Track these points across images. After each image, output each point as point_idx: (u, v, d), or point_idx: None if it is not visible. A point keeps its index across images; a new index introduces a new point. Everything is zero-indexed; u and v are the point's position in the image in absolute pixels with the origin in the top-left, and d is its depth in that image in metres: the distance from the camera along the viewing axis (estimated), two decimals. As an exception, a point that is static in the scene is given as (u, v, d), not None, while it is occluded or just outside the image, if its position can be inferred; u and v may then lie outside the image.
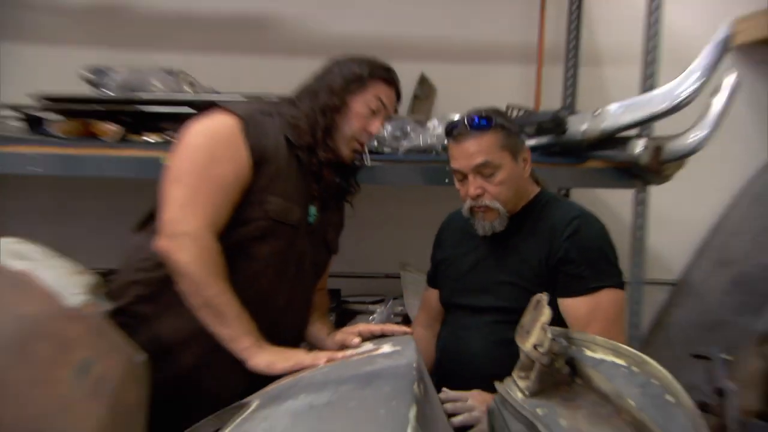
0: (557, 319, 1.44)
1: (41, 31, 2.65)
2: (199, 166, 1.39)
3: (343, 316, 2.44)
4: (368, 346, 1.40)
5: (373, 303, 2.51)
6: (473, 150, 1.56)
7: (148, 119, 2.10)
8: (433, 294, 1.81)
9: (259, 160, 1.44)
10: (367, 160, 1.99)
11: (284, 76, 2.57)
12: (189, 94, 2.17)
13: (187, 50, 2.61)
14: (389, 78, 1.62)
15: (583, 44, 2.72)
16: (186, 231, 1.35)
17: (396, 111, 1.70)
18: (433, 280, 1.84)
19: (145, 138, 2.07)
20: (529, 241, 1.61)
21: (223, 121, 1.45)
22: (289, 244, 1.50)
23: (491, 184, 1.57)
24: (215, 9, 2.66)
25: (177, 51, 2.59)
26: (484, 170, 1.57)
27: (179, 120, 2.10)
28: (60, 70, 2.29)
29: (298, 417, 0.85)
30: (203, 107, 2.06)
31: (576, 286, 1.53)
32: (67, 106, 2.10)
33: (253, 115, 1.49)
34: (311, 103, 1.57)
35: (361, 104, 1.57)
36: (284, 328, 1.52)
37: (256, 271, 1.47)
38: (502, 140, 1.57)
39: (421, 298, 1.91)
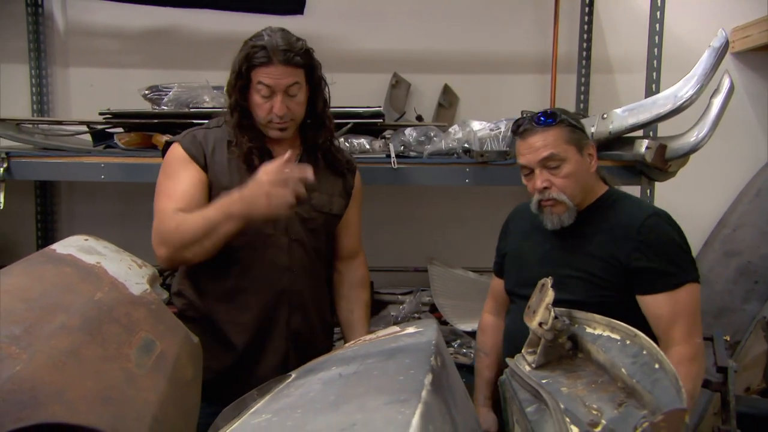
0: (631, 317, 1.22)
1: (106, 56, 2.78)
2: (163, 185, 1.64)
3: (375, 306, 2.50)
4: (395, 328, 1.45)
5: (403, 294, 2.56)
6: (539, 144, 1.53)
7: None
8: (500, 283, 1.78)
9: (204, 163, 1.64)
10: (394, 163, 2.06)
11: (320, 90, 2.68)
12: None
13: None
14: (262, 61, 1.60)
15: (594, 53, 2.73)
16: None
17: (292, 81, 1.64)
18: (499, 270, 1.80)
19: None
20: (598, 237, 1.54)
21: (171, 149, 1.68)
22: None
23: (557, 177, 1.53)
24: (256, 30, 2.74)
25: (223, 69, 2.67)
26: (550, 163, 1.53)
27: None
28: (122, 89, 2.42)
29: (328, 383, 0.91)
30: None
31: (659, 283, 1.46)
32: (129, 121, 2.20)
33: (189, 134, 1.69)
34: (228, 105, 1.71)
35: (254, 95, 1.63)
36: (292, 292, 1.65)
37: (236, 256, 1.62)
38: (567, 135, 1.54)
39: (490, 287, 1.87)
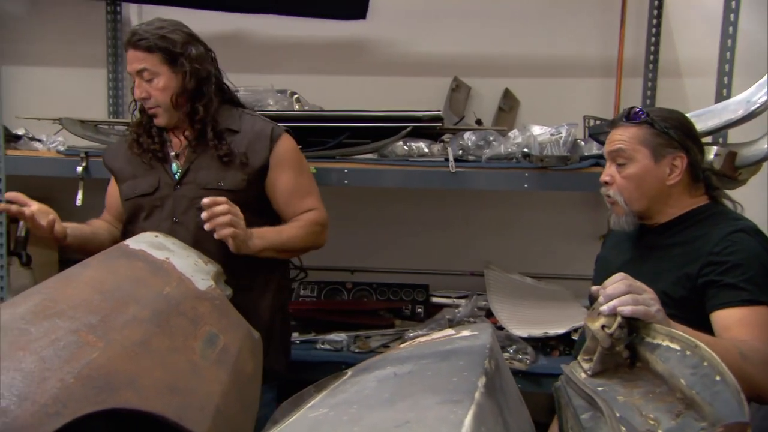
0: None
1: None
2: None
3: (430, 309, 2.51)
4: (449, 331, 1.47)
5: (458, 298, 2.56)
6: (616, 137, 1.51)
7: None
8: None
9: (111, 169, 1.84)
10: (452, 167, 2.07)
11: (380, 93, 2.72)
12: (297, 111, 2.31)
13: (296, 72, 2.78)
14: (125, 46, 1.71)
15: (662, 56, 2.66)
16: None
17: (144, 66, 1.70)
18: (593, 277, 1.74)
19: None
20: (675, 250, 1.46)
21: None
22: (154, 205, 1.73)
23: (620, 174, 1.50)
24: (319, 35, 2.81)
25: (287, 73, 2.76)
26: (618, 158, 1.50)
27: (290, 133, 2.27)
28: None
29: (383, 381, 0.94)
30: (309, 121, 2.25)
31: (728, 296, 1.34)
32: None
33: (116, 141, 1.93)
34: None
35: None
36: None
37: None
38: (646, 136, 1.48)
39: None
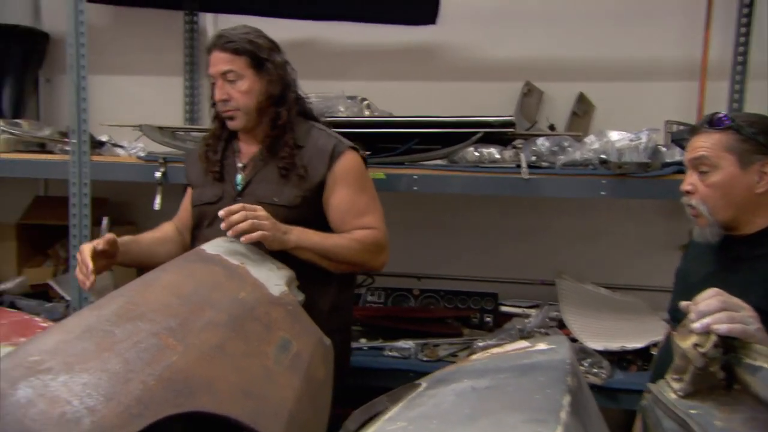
0: None
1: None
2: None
3: (500, 319, 2.46)
4: (524, 343, 1.42)
5: (529, 307, 2.50)
6: (698, 144, 1.44)
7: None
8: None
9: (186, 176, 1.91)
10: (525, 174, 2.02)
11: (450, 99, 2.70)
12: (367, 117, 2.32)
13: (366, 78, 2.79)
14: (208, 49, 1.75)
15: (751, 58, 2.51)
16: None
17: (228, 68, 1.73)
18: (673, 290, 1.67)
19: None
20: (761, 263, 1.40)
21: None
22: (216, 215, 1.66)
23: (703, 183, 1.43)
24: (389, 41, 2.81)
25: (358, 79, 2.77)
26: (700, 166, 1.42)
27: (360, 139, 2.27)
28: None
29: (461, 396, 0.91)
30: (379, 127, 2.25)
31: None
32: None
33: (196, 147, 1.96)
34: None
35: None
36: None
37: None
38: (732, 142, 1.40)
39: None
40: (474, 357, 1.44)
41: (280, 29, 2.88)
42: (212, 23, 3.00)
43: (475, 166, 2.13)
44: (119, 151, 2.38)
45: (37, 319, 1.53)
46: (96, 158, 2.28)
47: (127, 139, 2.44)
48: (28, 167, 2.35)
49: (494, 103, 2.58)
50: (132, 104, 2.87)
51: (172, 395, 1.02)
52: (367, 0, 2.66)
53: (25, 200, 2.93)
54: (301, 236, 1.64)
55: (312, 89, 2.49)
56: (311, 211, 1.72)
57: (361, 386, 2.02)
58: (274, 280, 1.48)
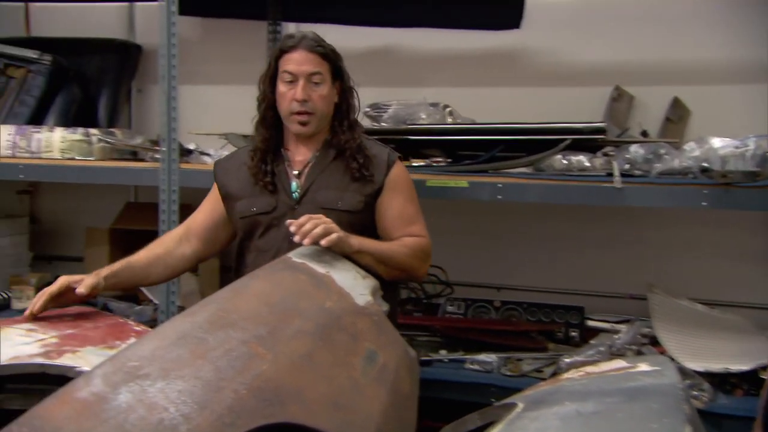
0: None
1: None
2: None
3: (587, 333, 2.35)
4: (621, 362, 1.34)
5: (618, 322, 2.38)
6: None
7: (416, 146, 2.25)
8: None
9: (223, 187, 1.84)
10: (618, 183, 1.92)
11: (534, 104, 2.62)
12: (450, 124, 2.28)
13: (448, 85, 2.74)
14: (287, 47, 1.71)
15: None
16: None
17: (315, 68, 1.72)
18: None
19: (413, 163, 2.22)
20: None
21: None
22: (271, 224, 1.74)
23: None
24: (471, 47, 2.76)
25: (439, 85, 2.74)
26: None
27: (442, 146, 2.24)
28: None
29: (567, 421, 0.86)
30: (462, 134, 2.21)
31: None
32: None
33: (223, 156, 1.99)
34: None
35: (280, 86, 1.72)
36: None
37: (250, 260, 1.76)
38: None
39: None
40: (568, 375, 1.37)
41: (358, 37, 2.92)
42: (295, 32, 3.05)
43: (562, 175, 2.05)
44: (206, 158, 2.44)
45: (131, 322, 1.57)
46: (184, 166, 2.34)
47: (213, 147, 2.51)
48: (121, 174, 2.45)
49: (580, 108, 2.48)
50: (217, 113, 2.95)
51: (263, 405, 1.02)
52: (449, 6, 2.62)
53: (116, 206, 3.06)
54: (362, 241, 1.64)
55: (391, 96, 2.49)
56: (369, 217, 1.76)
57: (441, 399, 1.98)
58: (359, 289, 1.47)
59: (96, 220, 3.03)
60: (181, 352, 1.06)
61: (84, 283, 1.58)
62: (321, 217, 1.57)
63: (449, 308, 2.51)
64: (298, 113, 1.73)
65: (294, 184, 1.78)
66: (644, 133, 2.42)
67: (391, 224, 1.77)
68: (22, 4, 3.18)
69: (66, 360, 1.26)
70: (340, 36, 2.92)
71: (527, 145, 2.13)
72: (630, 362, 1.32)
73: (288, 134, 1.82)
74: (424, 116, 2.29)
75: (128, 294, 2.83)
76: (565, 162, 2.06)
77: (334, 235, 1.53)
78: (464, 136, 2.16)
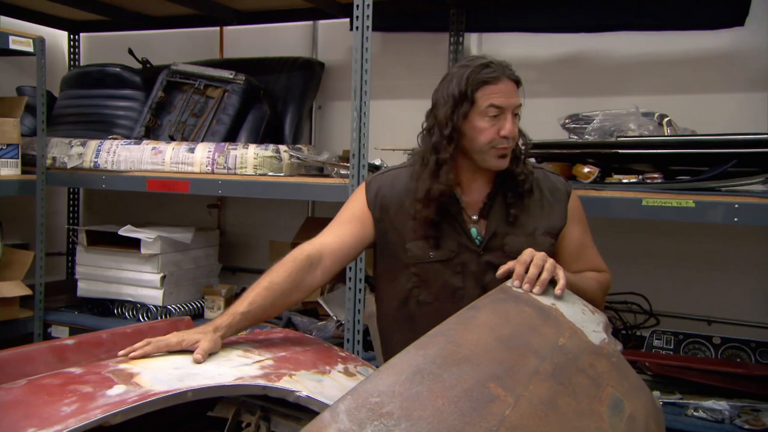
0: None
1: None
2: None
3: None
4: None
5: None
6: None
7: (623, 160, 2.05)
8: None
9: (384, 209, 1.63)
10: None
11: (761, 113, 2.30)
12: (668, 136, 2.05)
13: (658, 92, 2.52)
14: (490, 78, 1.49)
15: None
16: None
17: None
18: None
19: (620, 179, 2.02)
20: None
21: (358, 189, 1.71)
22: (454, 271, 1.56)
23: None
24: (682, 49, 2.51)
25: (642, 94, 2.51)
26: None
27: (656, 161, 2.02)
28: (530, 119, 2.43)
29: None
30: (681, 148, 1.97)
31: None
32: (549, 152, 2.18)
33: (378, 177, 1.70)
34: (423, 146, 1.59)
35: (478, 120, 1.51)
36: None
37: (424, 309, 1.58)
38: None
39: None
40: None
41: (550, 44, 2.76)
42: (476, 43, 2.96)
43: (813, 194, 1.75)
44: (393, 175, 2.41)
45: (335, 347, 1.54)
46: (372, 182, 2.32)
47: (397, 162, 2.47)
48: (311, 190, 2.49)
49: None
50: (399, 127, 2.92)
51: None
52: (659, 6, 2.39)
53: (294, 221, 3.15)
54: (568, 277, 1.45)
55: (592, 107, 2.30)
56: (553, 255, 1.52)
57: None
58: (591, 325, 1.32)
59: (278, 234, 3.15)
60: (419, 389, 0.99)
61: (201, 348, 1.29)
62: (533, 253, 1.40)
63: (656, 342, 2.26)
64: (505, 148, 1.55)
65: (474, 230, 1.59)
66: None
67: (574, 256, 1.63)
68: (217, 29, 3.40)
69: (285, 383, 1.24)
70: (528, 43, 2.82)
71: (764, 158, 1.86)
72: None
73: (460, 169, 1.60)
74: (633, 128, 2.08)
75: (308, 308, 2.90)
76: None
77: (563, 281, 1.37)
78: (687, 149, 1.92)
